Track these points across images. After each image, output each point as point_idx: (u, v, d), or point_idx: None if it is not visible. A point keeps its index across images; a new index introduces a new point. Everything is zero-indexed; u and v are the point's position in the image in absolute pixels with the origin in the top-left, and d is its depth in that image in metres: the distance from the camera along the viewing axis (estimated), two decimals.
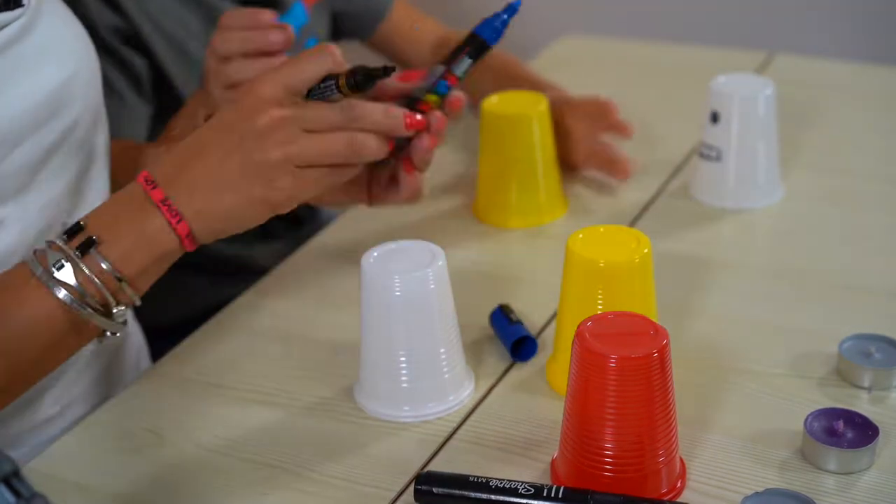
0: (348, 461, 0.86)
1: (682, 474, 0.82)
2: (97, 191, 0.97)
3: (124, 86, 1.23)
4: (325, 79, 0.85)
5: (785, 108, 1.22)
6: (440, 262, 0.89)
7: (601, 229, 0.91)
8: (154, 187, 0.81)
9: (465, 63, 0.90)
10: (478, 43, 0.90)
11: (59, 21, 0.93)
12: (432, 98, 0.91)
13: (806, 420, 0.84)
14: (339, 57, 0.85)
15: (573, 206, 1.23)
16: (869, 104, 1.48)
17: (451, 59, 0.91)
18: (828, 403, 0.88)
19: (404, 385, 0.89)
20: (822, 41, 2.23)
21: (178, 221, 0.81)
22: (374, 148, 0.86)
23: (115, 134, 1.22)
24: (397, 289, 0.87)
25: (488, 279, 1.10)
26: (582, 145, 1.25)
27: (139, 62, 1.23)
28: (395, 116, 0.87)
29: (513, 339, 0.96)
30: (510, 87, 1.28)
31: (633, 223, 1.19)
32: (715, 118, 1.18)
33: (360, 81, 0.84)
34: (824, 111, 1.44)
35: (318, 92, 0.85)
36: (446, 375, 0.90)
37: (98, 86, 0.98)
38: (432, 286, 0.88)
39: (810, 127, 1.39)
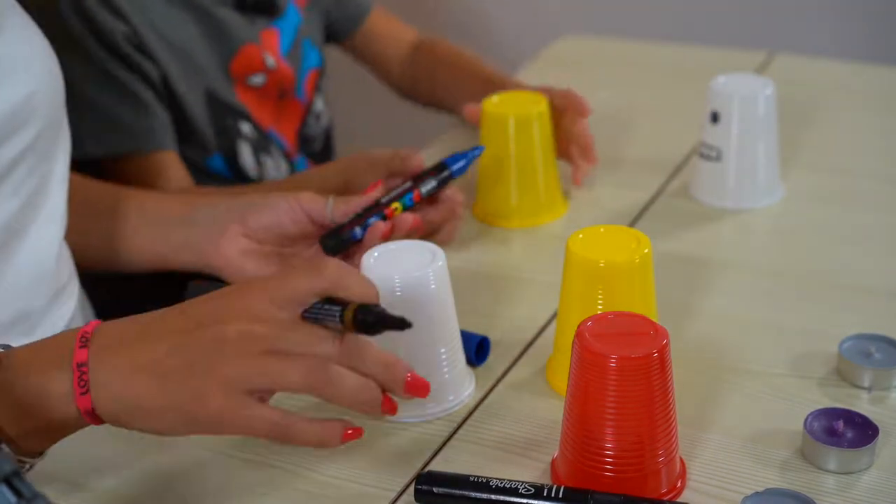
0: (348, 461, 0.86)
1: (682, 474, 0.82)
2: (50, 210, 0.96)
3: (150, 97, 1.24)
4: (327, 300, 0.75)
5: (785, 107, 1.22)
6: (440, 263, 0.89)
7: (601, 229, 0.91)
8: (83, 346, 0.73)
9: (430, 184, 1.06)
10: (446, 172, 1.07)
11: (21, 37, 0.92)
12: (397, 206, 1.03)
13: (806, 420, 0.84)
14: (336, 275, 0.75)
15: (573, 205, 1.23)
16: (869, 104, 1.48)
17: (419, 178, 1.06)
18: (828, 403, 0.88)
19: None
20: (822, 41, 2.23)
21: (84, 394, 0.72)
22: (353, 392, 0.74)
23: (153, 146, 1.24)
24: (398, 289, 0.87)
25: (488, 279, 1.10)
26: (563, 132, 1.25)
27: (152, 69, 1.24)
28: (397, 376, 0.76)
29: (475, 343, 0.95)
30: (469, 81, 1.39)
31: (633, 223, 1.19)
32: (715, 118, 1.18)
33: (371, 324, 0.74)
34: (824, 111, 1.44)
35: (314, 312, 0.74)
36: (446, 375, 0.90)
37: (61, 104, 0.97)
38: (432, 286, 0.88)
39: (810, 127, 1.39)
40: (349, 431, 0.75)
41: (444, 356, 0.90)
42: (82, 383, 0.72)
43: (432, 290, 0.88)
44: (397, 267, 0.88)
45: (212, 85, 1.30)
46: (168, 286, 1.08)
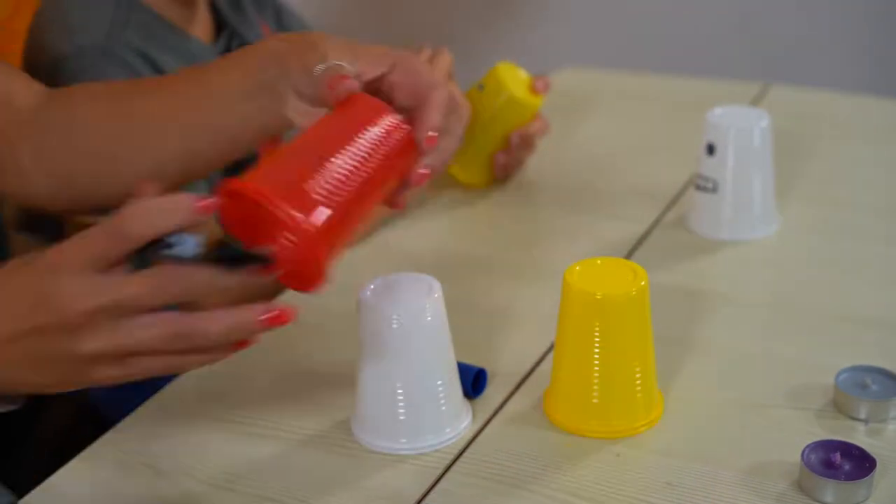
0: (345, 494, 0.86)
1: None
2: None
3: None
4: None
5: (780, 139, 1.23)
6: (437, 295, 0.89)
7: (598, 261, 0.92)
8: None
9: None
10: None
11: None
12: None
13: (803, 452, 0.84)
14: (193, 210, 0.70)
15: (569, 238, 1.23)
16: (864, 136, 1.48)
17: None
18: (825, 435, 0.88)
19: (401, 417, 0.89)
20: (818, 73, 2.24)
21: None
22: (213, 339, 0.72)
23: None
24: (394, 321, 0.87)
25: (485, 311, 1.10)
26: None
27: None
28: (246, 320, 0.73)
29: (471, 375, 0.96)
30: None
31: (629, 255, 1.19)
32: (711, 150, 1.19)
33: (227, 260, 0.71)
34: (820, 142, 1.44)
35: (160, 248, 0.70)
36: (443, 408, 0.90)
37: None
38: (429, 318, 0.88)
39: (806, 158, 1.39)
40: (268, 317, 0.73)
41: (440, 388, 0.90)
42: None
43: (429, 322, 0.88)
44: (394, 299, 0.88)
45: None
46: None
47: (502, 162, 1.32)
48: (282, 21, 1.51)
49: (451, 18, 2.67)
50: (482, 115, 1.28)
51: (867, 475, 0.82)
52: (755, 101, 1.57)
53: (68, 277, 0.69)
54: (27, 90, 1.02)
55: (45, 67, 1.22)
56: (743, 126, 1.18)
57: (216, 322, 0.71)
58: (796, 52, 2.31)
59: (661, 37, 2.41)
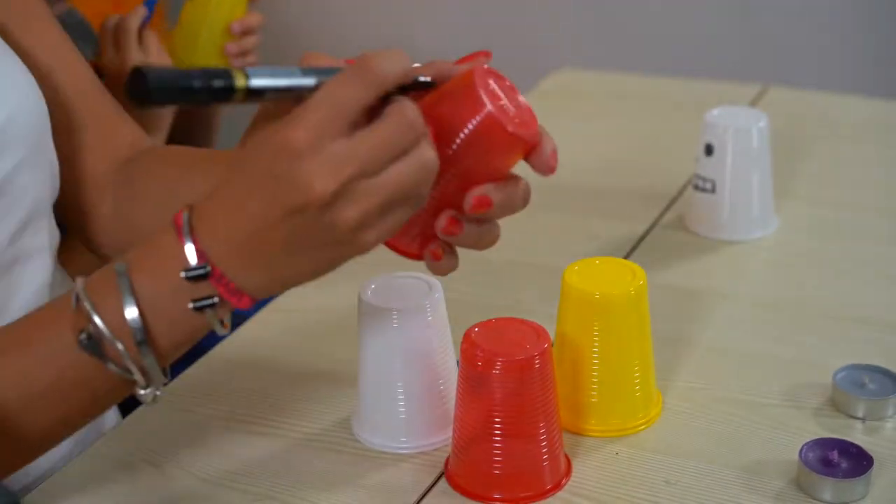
0: (346, 492, 0.86)
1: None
2: (36, 248, 0.94)
3: None
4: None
5: (779, 140, 1.23)
6: (437, 295, 0.89)
7: (597, 261, 0.92)
8: (211, 276, 0.70)
9: None
10: None
11: None
12: None
13: (801, 450, 0.84)
14: (383, 70, 0.68)
15: (566, 239, 1.23)
16: (862, 136, 1.49)
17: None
18: (822, 433, 0.89)
19: (402, 416, 0.90)
20: (816, 74, 2.24)
21: (240, 299, 0.71)
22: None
23: None
24: (395, 321, 0.87)
25: (485, 311, 1.11)
26: None
27: None
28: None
29: None
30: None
31: (628, 255, 1.20)
32: (709, 150, 1.19)
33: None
34: (817, 143, 1.45)
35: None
36: (444, 407, 0.91)
37: (46, 138, 0.94)
38: (430, 318, 0.88)
39: (804, 159, 1.40)
40: None
41: (442, 387, 0.90)
42: (232, 293, 0.70)
43: (430, 322, 0.89)
44: (394, 299, 0.89)
45: None
46: None
47: (234, 52, 1.51)
48: None
49: (446, 17, 2.67)
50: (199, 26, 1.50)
51: (864, 473, 0.82)
52: (754, 102, 1.57)
53: (309, 158, 0.66)
54: (131, 136, 1.02)
55: None
56: (741, 127, 1.19)
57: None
58: (795, 53, 2.32)
59: (660, 37, 2.41)
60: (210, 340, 1.09)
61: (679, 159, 1.36)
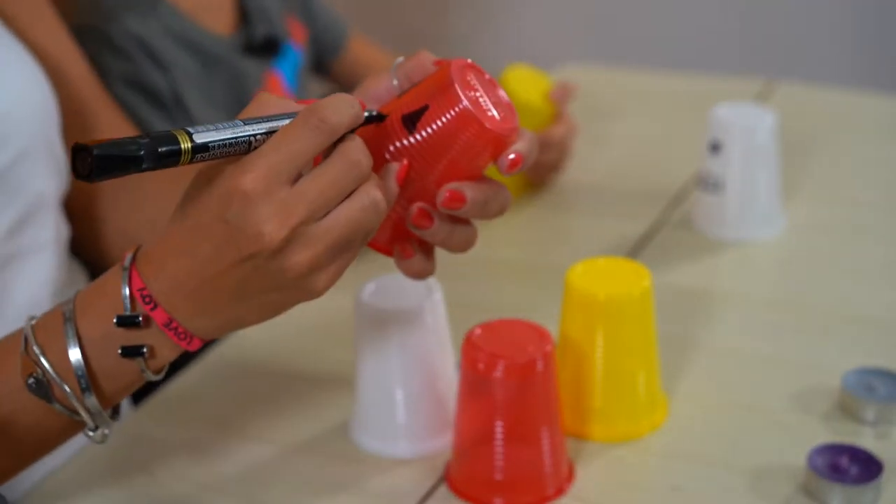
0: (343, 497, 0.85)
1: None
2: (39, 243, 0.94)
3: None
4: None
5: (786, 137, 1.22)
6: (436, 295, 0.88)
7: (601, 262, 0.91)
8: (152, 306, 0.70)
9: None
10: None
11: None
12: None
13: (809, 455, 0.83)
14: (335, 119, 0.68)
15: (571, 237, 1.22)
16: (871, 133, 1.47)
17: None
18: (831, 438, 0.87)
19: (400, 420, 0.89)
20: (824, 69, 2.23)
21: (189, 343, 0.71)
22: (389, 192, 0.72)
23: None
24: (393, 323, 0.86)
25: (484, 312, 1.09)
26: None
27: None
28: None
29: None
30: None
31: (632, 255, 1.18)
32: (715, 148, 1.17)
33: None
34: (825, 140, 1.43)
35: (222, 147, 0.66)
36: (443, 410, 0.89)
37: (52, 132, 0.94)
38: (429, 319, 0.87)
39: (811, 156, 1.38)
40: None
41: (441, 390, 0.89)
42: (181, 337, 0.71)
43: (428, 324, 0.87)
44: (393, 299, 0.87)
45: None
46: None
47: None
48: (309, 9, 1.47)
49: (450, 16, 2.67)
50: None
51: (874, 479, 0.81)
52: (760, 98, 1.56)
53: (259, 204, 0.66)
54: None
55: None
56: (748, 124, 1.17)
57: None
58: (802, 48, 2.31)
59: (665, 33, 2.40)
60: (205, 344, 1.08)
61: (684, 156, 1.35)
